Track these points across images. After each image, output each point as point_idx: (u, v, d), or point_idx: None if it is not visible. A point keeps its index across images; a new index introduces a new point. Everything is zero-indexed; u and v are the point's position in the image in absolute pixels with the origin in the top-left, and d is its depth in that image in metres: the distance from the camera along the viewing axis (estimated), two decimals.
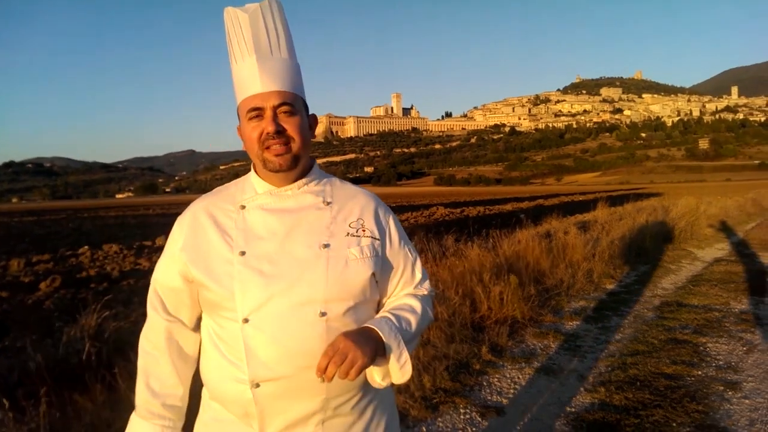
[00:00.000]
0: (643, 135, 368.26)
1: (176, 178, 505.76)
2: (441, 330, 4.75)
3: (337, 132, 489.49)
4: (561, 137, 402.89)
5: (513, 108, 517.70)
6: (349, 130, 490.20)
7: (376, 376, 1.26)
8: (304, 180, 1.30)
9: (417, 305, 1.36)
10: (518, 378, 4.02)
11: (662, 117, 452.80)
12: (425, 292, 1.43)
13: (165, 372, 1.32)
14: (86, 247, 13.01)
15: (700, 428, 3.18)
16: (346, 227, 1.29)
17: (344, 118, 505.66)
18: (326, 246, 1.24)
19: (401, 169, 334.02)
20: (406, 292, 1.40)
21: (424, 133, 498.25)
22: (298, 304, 1.19)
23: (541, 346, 4.75)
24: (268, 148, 1.22)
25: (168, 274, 1.30)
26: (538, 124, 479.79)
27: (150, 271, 1.55)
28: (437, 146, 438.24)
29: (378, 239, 1.32)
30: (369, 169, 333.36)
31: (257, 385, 1.19)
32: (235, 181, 1.37)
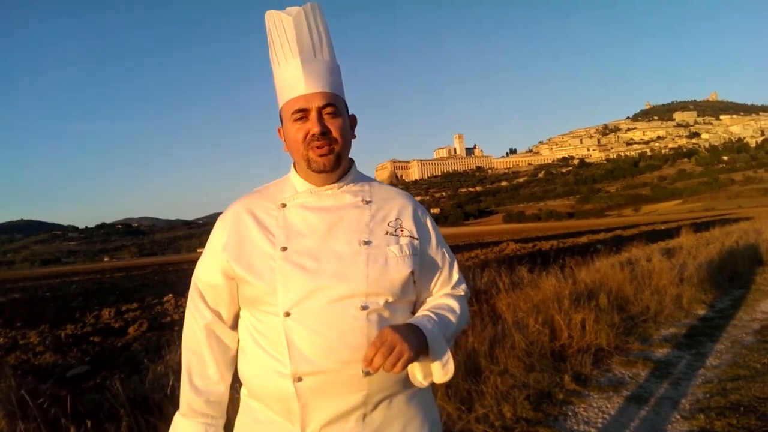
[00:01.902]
0: (725, 158, 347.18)
1: None
2: (518, 359, 4.56)
3: (401, 176, 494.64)
4: (635, 166, 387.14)
5: (580, 139, 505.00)
6: (414, 173, 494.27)
7: (417, 374, 1.24)
8: (344, 180, 1.32)
9: (456, 305, 1.35)
10: (606, 407, 3.77)
11: (744, 138, 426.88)
12: (462, 293, 1.42)
13: (207, 369, 1.33)
14: (170, 295, 13.69)
15: None
16: (385, 226, 1.30)
17: (408, 162, 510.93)
18: (366, 243, 1.25)
19: (468, 208, 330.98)
20: (444, 293, 1.39)
21: (489, 171, 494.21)
22: (339, 298, 1.19)
23: (629, 374, 4.46)
24: (312, 148, 1.24)
25: (209, 272, 1.32)
26: (609, 154, 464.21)
27: None
28: (504, 183, 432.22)
29: (416, 239, 1.33)
30: (435, 210, 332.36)
31: (299, 379, 1.18)
32: (275, 181, 1.39)
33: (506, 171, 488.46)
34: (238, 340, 1.36)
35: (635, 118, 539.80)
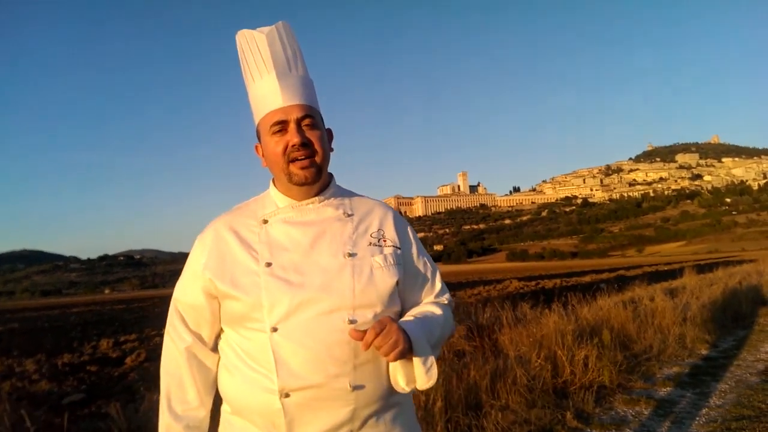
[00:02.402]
0: (728, 200, 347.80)
1: None
2: (520, 394, 4.50)
3: (405, 212, 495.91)
4: (638, 206, 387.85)
5: (583, 179, 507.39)
6: (417, 209, 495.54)
7: (400, 379, 1.24)
8: (324, 193, 1.32)
9: (440, 313, 1.36)
10: None
11: (747, 180, 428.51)
12: (446, 302, 1.43)
13: (187, 394, 1.30)
14: None
15: None
16: (368, 237, 1.31)
17: (412, 198, 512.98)
18: (351, 255, 1.25)
19: (471, 245, 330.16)
20: (428, 301, 1.40)
21: (493, 209, 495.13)
22: (326, 311, 1.19)
23: (632, 412, 4.38)
24: (293, 161, 1.25)
25: (190, 293, 1.30)
26: (612, 195, 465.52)
27: None
28: (507, 221, 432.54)
29: (399, 248, 1.34)
30: (438, 247, 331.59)
31: (287, 395, 1.17)
32: (254, 198, 1.39)
33: (510, 209, 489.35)
34: (218, 362, 1.34)
35: (638, 159, 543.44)
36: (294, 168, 1.25)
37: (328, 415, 1.19)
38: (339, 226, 1.29)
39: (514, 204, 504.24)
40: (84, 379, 6.90)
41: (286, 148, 1.25)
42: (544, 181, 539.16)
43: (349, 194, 1.40)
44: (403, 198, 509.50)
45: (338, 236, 1.28)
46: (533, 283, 27.09)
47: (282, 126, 1.25)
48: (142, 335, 13.01)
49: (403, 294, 1.35)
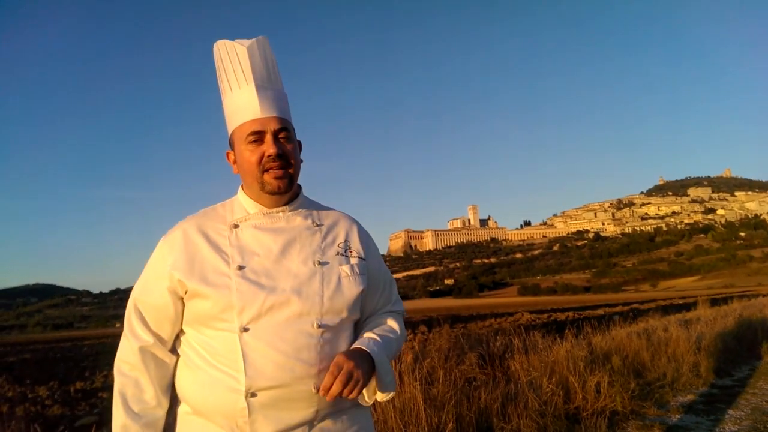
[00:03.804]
0: (743, 234, 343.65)
1: None
2: (531, 419, 4.48)
3: (415, 246, 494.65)
4: (651, 241, 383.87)
5: (595, 213, 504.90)
6: (428, 243, 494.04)
7: (364, 394, 1.31)
8: (293, 203, 1.37)
9: (396, 325, 1.45)
10: None
11: (761, 214, 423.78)
12: (400, 311, 1.54)
13: (144, 393, 1.29)
14: None
15: None
16: (336, 247, 1.37)
17: (422, 232, 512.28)
18: (321, 263, 1.32)
19: (482, 279, 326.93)
20: (385, 311, 1.50)
21: (504, 242, 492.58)
22: (296, 315, 1.24)
23: None
24: (267, 170, 1.29)
25: (153, 292, 1.30)
26: (624, 228, 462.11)
27: None
28: (518, 255, 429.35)
29: (364, 259, 1.41)
30: (449, 281, 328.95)
31: (253, 395, 1.19)
32: (220, 203, 1.41)
33: (521, 243, 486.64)
34: (176, 363, 1.35)
35: (649, 193, 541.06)
36: (268, 177, 1.29)
37: (291, 415, 1.23)
38: (308, 234, 1.35)
39: (525, 238, 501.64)
40: (96, 404, 6.93)
41: (261, 158, 1.29)
42: (555, 215, 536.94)
43: (317, 206, 1.45)
44: (414, 232, 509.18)
45: (308, 245, 1.33)
46: (545, 315, 26.79)
47: (258, 136, 1.29)
48: None
49: (365, 302, 1.43)
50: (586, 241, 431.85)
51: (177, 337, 1.35)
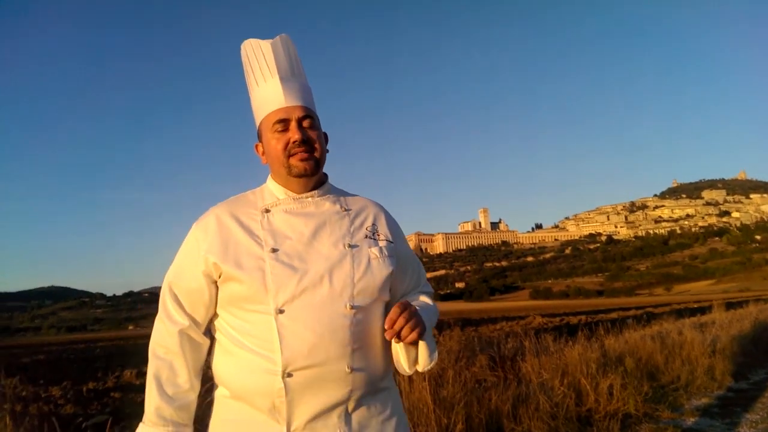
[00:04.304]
0: (758, 237, 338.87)
1: None
2: (543, 421, 4.44)
3: (426, 249, 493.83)
4: (665, 244, 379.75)
5: (607, 216, 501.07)
6: (438, 246, 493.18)
7: (403, 362, 1.33)
8: (321, 189, 1.42)
9: (430, 302, 1.50)
10: None
11: None
12: (431, 291, 1.58)
13: (179, 376, 1.32)
14: None
15: None
16: (364, 231, 1.41)
17: (432, 235, 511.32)
18: (351, 246, 1.35)
19: (493, 283, 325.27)
20: (417, 291, 1.54)
21: (515, 246, 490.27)
22: (329, 296, 1.27)
23: None
24: (293, 155, 1.34)
25: (188, 276, 1.34)
26: (638, 232, 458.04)
27: None
28: (530, 258, 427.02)
29: (392, 242, 1.45)
30: (460, 285, 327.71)
31: (289, 375, 1.22)
32: (250, 191, 1.45)
33: (532, 246, 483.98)
34: (209, 347, 1.38)
35: (663, 195, 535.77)
36: (294, 161, 1.34)
37: (327, 395, 1.25)
38: (338, 219, 1.39)
39: (537, 241, 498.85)
40: (108, 403, 6.99)
41: (287, 144, 1.35)
42: (566, 218, 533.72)
43: (344, 193, 1.50)
44: (424, 235, 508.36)
45: (338, 228, 1.37)
46: (557, 319, 26.60)
47: (284, 125, 1.35)
48: None
49: (394, 285, 1.45)
50: (598, 245, 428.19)
51: (211, 321, 1.38)
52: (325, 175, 1.47)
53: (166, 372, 1.31)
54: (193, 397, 1.33)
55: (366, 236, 1.39)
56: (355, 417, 1.30)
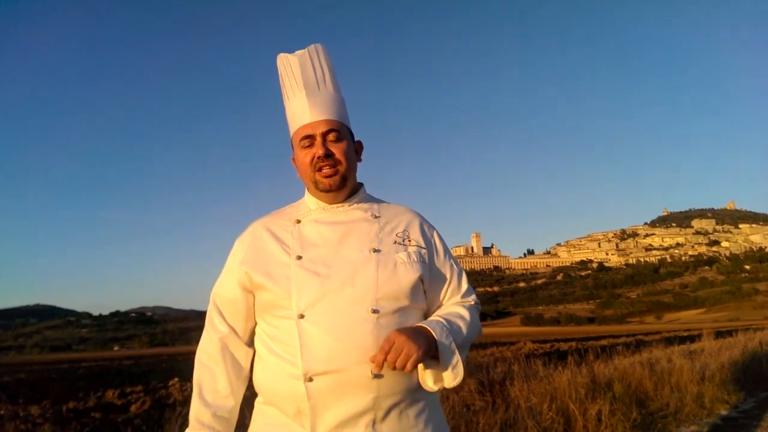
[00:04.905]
0: (748, 267, 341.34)
1: None
2: None
3: None
4: (656, 272, 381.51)
5: (599, 243, 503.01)
6: None
7: (428, 379, 1.29)
8: (353, 199, 1.44)
9: (466, 313, 1.42)
10: None
11: (766, 247, 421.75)
12: (472, 303, 1.49)
13: (218, 383, 1.38)
14: (176, 379, 13.47)
15: None
16: (394, 236, 1.40)
17: None
18: (376, 251, 1.34)
19: (485, 308, 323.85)
20: (454, 302, 1.47)
21: (507, 271, 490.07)
22: (351, 301, 1.26)
23: None
24: (319, 170, 1.38)
25: (227, 287, 1.42)
26: (628, 259, 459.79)
27: None
28: (521, 284, 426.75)
29: (424, 248, 1.42)
30: None
31: (311, 379, 1.22)
32: (291, 204, 1.52)
33: (524, 272, 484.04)
34: (252, 356, 1.43)
35: (653, 224, 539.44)
36: (319, 176, 1.38)
37: (351, 401, 1.23)
38: (366, 225, 1.41)
39: (529, 267, 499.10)
40: (87, 423, 6.84)
41: (313, 159, 1.39)
42: (558, 244, 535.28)
43: (379, 201, 1.52)
44: None
45: (365, 234, 1.39)
46: (548, 345, 26.49)
47: (310, 140, 1.39)
48: (149, 387, 12.89)
49: (429, 294, 1.42)
50: (590, 272, 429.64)
51: (252, 332, 1.44)
52: (360, 184, 1.50)
53: (207, 378, 1.38)
54: (232, 404, 1.38)
55: (395, 242, 1.40)
56: (385, 428, 1.26)
